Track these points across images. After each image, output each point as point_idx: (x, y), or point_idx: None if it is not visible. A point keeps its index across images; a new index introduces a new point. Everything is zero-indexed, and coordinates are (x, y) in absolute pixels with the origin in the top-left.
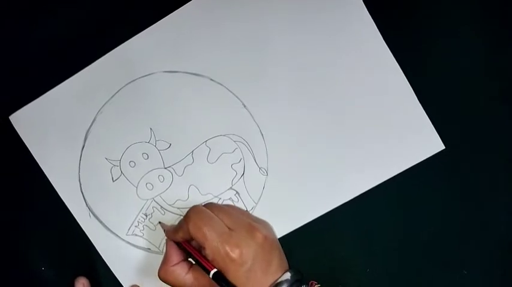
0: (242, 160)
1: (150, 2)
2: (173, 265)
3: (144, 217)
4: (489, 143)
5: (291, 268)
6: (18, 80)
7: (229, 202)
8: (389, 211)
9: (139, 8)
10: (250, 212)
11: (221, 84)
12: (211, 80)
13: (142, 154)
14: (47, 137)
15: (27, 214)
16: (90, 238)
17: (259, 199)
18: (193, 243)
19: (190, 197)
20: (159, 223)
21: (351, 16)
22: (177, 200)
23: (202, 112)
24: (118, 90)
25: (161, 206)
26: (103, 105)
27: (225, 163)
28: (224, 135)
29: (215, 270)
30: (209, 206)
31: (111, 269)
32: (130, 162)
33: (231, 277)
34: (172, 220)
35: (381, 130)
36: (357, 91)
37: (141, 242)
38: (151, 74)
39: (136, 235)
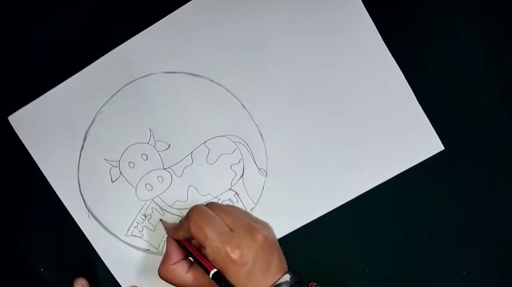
0: (241, 160)
1: (150, 2)
2: (173, 264)
3: (143, 217)
4: (489, 143)
5: (290, 269)
6: (18, 80)
7: (229, 203)
8: (389, 212)
9: (139, 8)
10: (250, 213)
11: (220, 85)
12: (211, 80)
13: (142, 154)
14: (46, 138)
15: (27, 215)
16: (89, 239)
17: (258, 200)
18: (194, 242)
19: (189, 198)
20: (160, 220)
21: (350, 16)
22: (177, 201)
23: (201, 113)
24: (117, 91)
25: (160, 207)
26: (102, 106)
27: (224, 163)
28: (223, 136)
29: (215, 270)
30: (211, 205)
31: (110, 270)
32: (129, 163)
33: (231, 277)
34: (171, 220)
35: (380, 130)
36: (356, 91)
37: (140, 243)
38: (151, 74)
39: (135, 235)
